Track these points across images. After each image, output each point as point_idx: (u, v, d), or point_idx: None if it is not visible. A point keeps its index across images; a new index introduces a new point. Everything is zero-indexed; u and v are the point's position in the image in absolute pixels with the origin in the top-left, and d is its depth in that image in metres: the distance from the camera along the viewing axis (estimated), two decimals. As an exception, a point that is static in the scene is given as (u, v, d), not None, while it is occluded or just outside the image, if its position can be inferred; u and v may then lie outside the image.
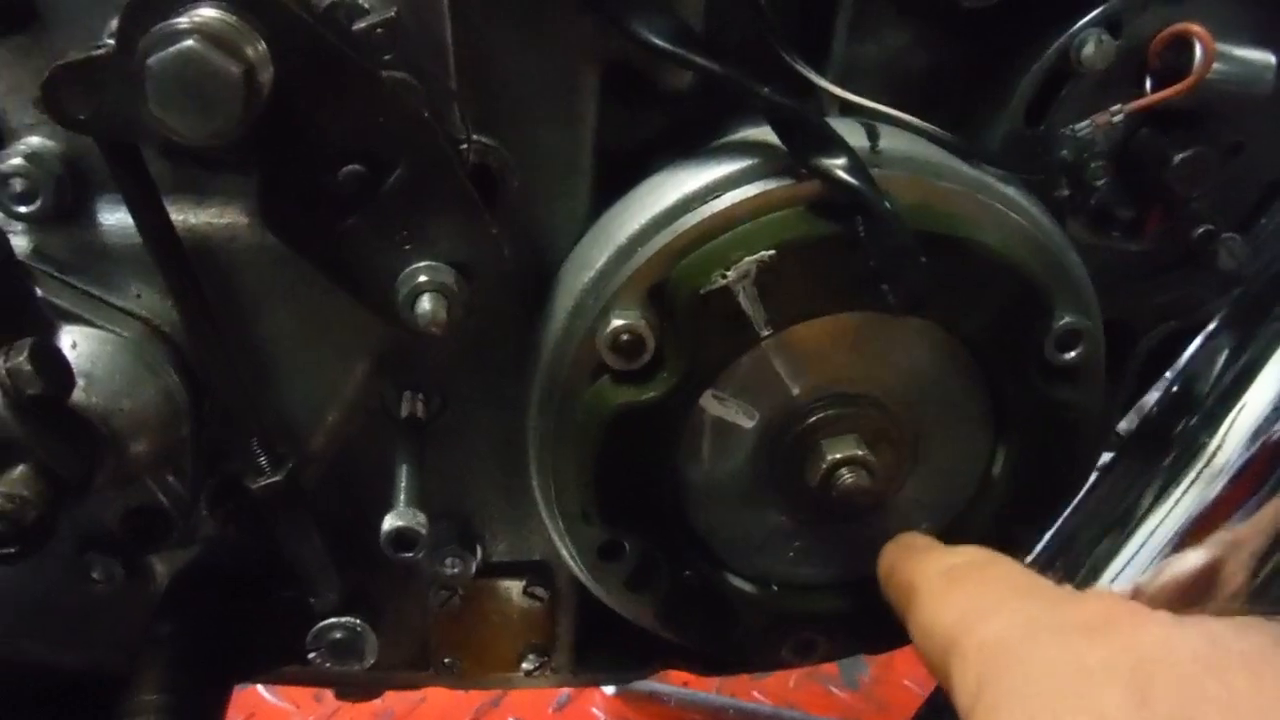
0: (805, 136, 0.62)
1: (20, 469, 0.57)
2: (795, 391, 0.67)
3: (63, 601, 0.79)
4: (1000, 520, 0.73)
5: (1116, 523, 0.65)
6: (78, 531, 0.74)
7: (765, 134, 0.64)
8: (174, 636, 0.75)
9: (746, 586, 0.75)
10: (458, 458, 0.79)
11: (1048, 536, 0.72)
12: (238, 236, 0.68)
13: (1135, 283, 0.79)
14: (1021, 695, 0.44)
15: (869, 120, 0.67)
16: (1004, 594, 0.53)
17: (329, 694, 1.07)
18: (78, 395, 0.62)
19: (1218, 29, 0.68)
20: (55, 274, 0.66)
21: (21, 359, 0.56)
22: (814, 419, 0.68)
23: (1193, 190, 0.72)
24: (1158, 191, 0.73)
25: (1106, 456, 0.78)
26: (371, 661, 0.77)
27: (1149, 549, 0.63)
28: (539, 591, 0.85)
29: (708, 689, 1.88)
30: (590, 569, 0.72)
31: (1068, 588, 0.53)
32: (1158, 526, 0.63)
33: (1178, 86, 0.68)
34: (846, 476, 0.67)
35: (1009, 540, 0.69)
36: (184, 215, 0.67)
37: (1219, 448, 0.61)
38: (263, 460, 0.68)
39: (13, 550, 0.56)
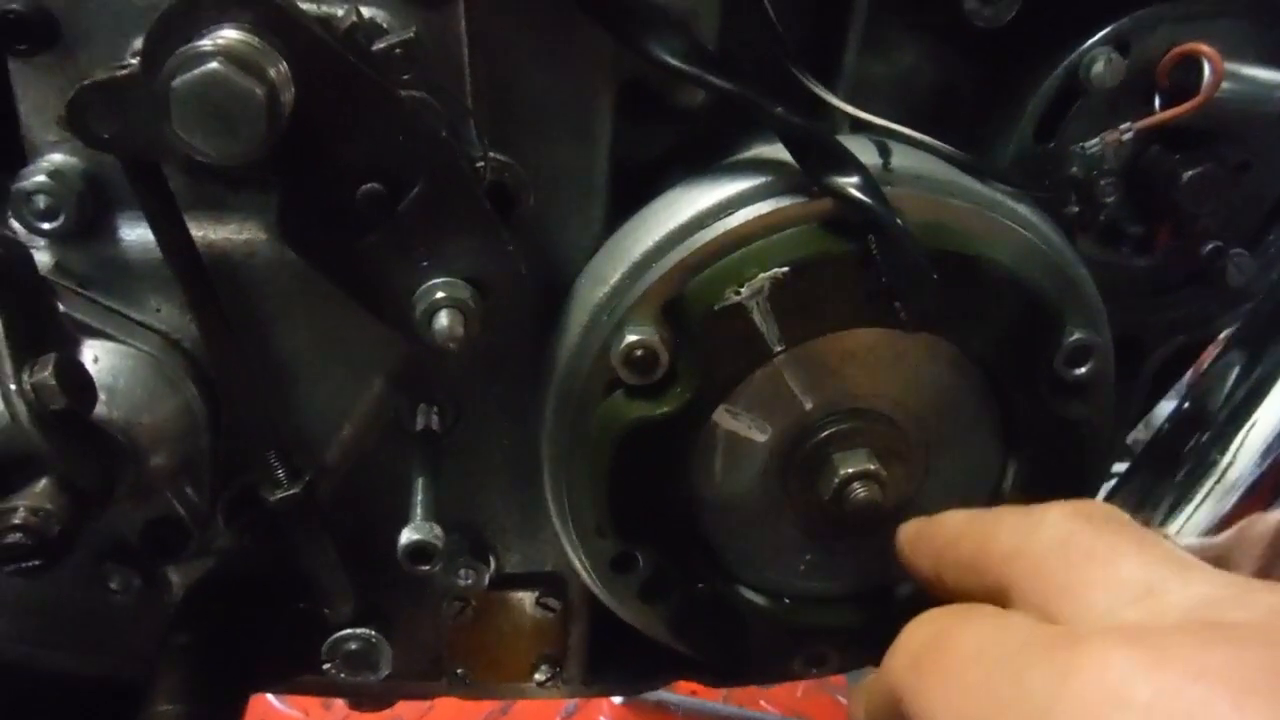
0: (818, 154, 0.62)
1: (43, 483, 0.58)
2: (808, 406, 0.68)
3: (79, 611, 0.80)
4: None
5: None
6: (96, 542, 0.75)
7: (778, 151, 0.65)
8: (189, 647, 0.75)
9: (758, 599, 0.75)
10: (471, 470, 0.80)
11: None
12: (257, 252, 0.68)
13: (1144, 298, 0.80)
14: None
15: (880, 138, 0.67)
16: (987, 680, 0.41)
17: (338, 701, 1.08)
18: (99, 409, 0.62)
19: (1226, 48, 0.68)
20: (77, 289, 0.67)
21: (46, 374, 0.56)
22: (826, 433, 0.68)
23: (1201, 207, 0.73)
24: (1167, 208, 0.74)
25: (1118, 467, 0.78)
26: (386, 673, 0.78)
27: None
28: (551, 602, 0.86)
29: (715, 698, 1.89)
30: (603, 581, 0.73)
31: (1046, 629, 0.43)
32: (1169, 543, 0.63)
33: (1187, 105, 0.69)
34: (858, 491, 0.67)
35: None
36: (204, 231, 0.67)
37: (1231, 464, 0.61)
38: (280, 473, 0.68)
39: (37, 563, 0.57)
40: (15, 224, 0.65)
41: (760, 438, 0.69)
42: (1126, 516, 0.47)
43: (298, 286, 0.69)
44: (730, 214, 0.65)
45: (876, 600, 0.76)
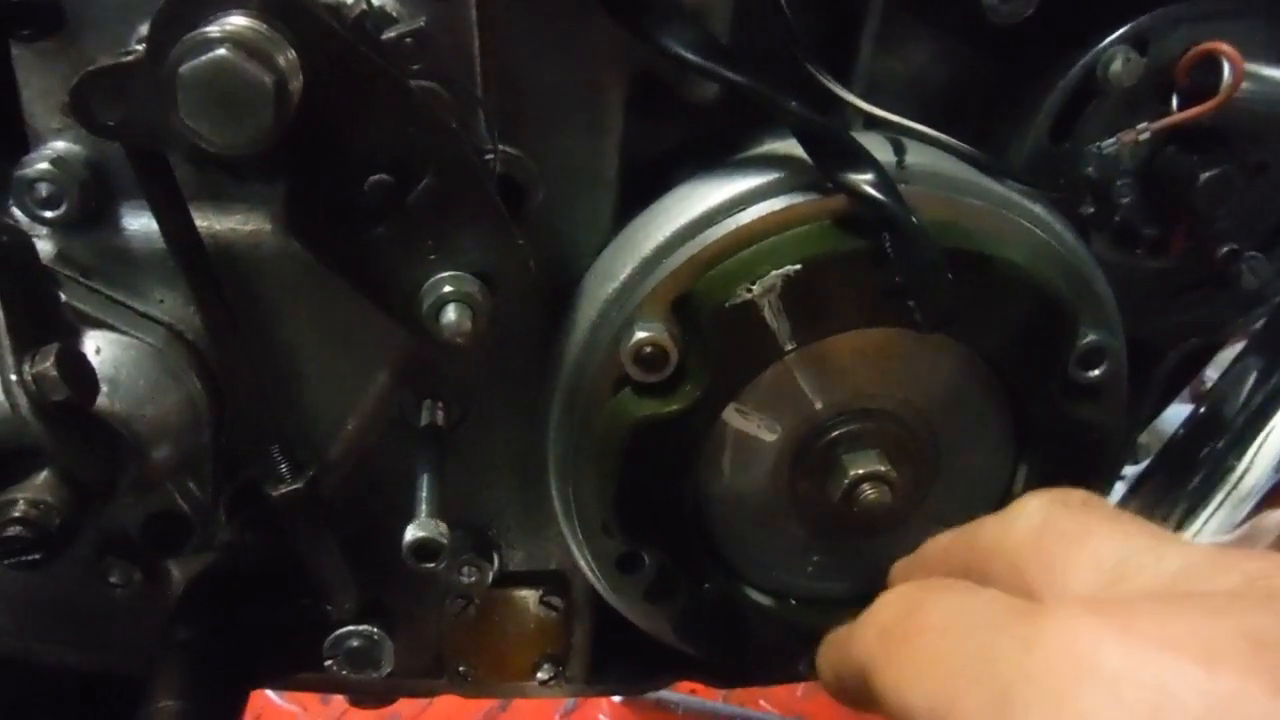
0: (832, 151, 0.62)
1: (44, 475, 0.57)
2: (818, 406, 0.67)
3: (80, 604, 0.79)
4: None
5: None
6: (96, 535, 0.74)
7: (791, 147, 0.64)
8: (190, 642, 0.75)
9: (764, 600, 0.75)
10: (476, 467, 0.79)
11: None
12: (262, 243, 0.68)
13: (1158, 301, 0.79)
14: None
15: (895, 135, 0.66)
16: (953, 652, 0.39)
17: (336, 696, 1.07)
18: (101, 401, 0.61)
19: (1246, 48, 0.67)
20: (79, 279, 0.66)
21: (47, 365, 0.55)
22: (836, 434, 0.68)
23: (1217, 209, 0.72)
24: (1183, 210, 0.73)
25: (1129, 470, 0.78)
26: (389, 670, 0.77)
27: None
28: (555, 601, 0.85)
29: (714, 697, 1.88)
30: (608, 580, 0.72)
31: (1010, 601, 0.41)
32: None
33: (1205, 105, 0.68)
34: (868, 492, 0.67)
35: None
36: (208, 221, 0.66)
37: (1247, 470, 0.61)
38: (283, 467, 0.67)
39: (37, 556, 0.56)
40: (17, 212, 0.65)
41: (770, 437, 0.68)
42: (1104, 500, 0.46)
43: (303, 279, 0.68)
44: (742, 210, 0.64)
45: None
